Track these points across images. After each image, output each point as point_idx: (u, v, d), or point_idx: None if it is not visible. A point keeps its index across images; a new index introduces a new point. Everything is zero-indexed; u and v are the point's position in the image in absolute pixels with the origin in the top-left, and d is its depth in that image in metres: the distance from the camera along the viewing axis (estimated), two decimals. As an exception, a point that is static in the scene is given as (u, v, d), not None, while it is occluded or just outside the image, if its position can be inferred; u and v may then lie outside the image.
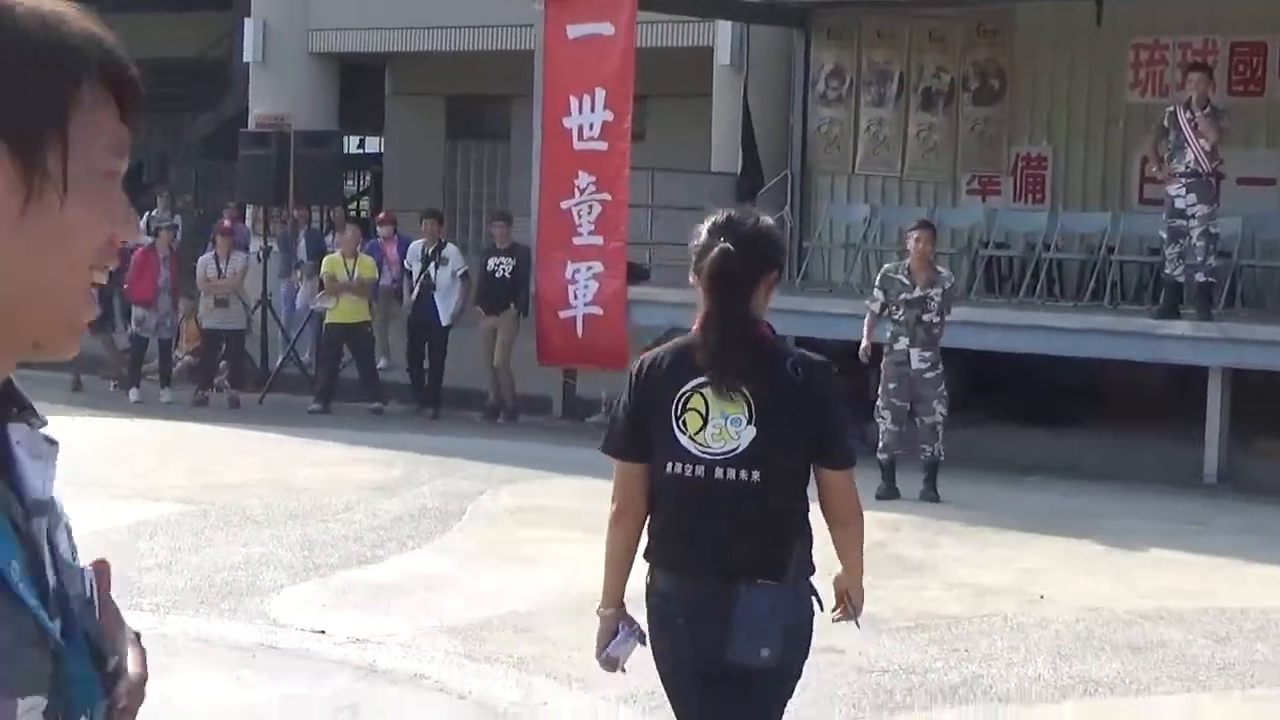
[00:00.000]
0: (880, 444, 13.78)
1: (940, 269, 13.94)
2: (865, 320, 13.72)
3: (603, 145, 17.61)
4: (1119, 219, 17.73)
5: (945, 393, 13.66)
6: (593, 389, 18.18)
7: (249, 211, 21.19)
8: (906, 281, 13.51)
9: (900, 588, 10.45)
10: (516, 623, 9.33)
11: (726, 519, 4.64)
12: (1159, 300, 15.81)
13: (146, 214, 21.53)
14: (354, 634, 8.90)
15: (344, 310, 18.14)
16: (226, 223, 19.81)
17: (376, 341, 19.02)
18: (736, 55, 21.07)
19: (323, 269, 18.28)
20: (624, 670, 5.08)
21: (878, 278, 13.91)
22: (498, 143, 25.42)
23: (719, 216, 4.78)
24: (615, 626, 4.99)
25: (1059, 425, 16.27)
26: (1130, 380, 16.39)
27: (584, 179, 17.69)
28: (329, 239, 19.35)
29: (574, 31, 17.71)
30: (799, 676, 4.84)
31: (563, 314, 17.87)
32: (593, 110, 17.62)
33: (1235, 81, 18.28)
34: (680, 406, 4.67)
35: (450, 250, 18.60)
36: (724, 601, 4.61)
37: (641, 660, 8.32)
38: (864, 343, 13.62)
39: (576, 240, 17.78)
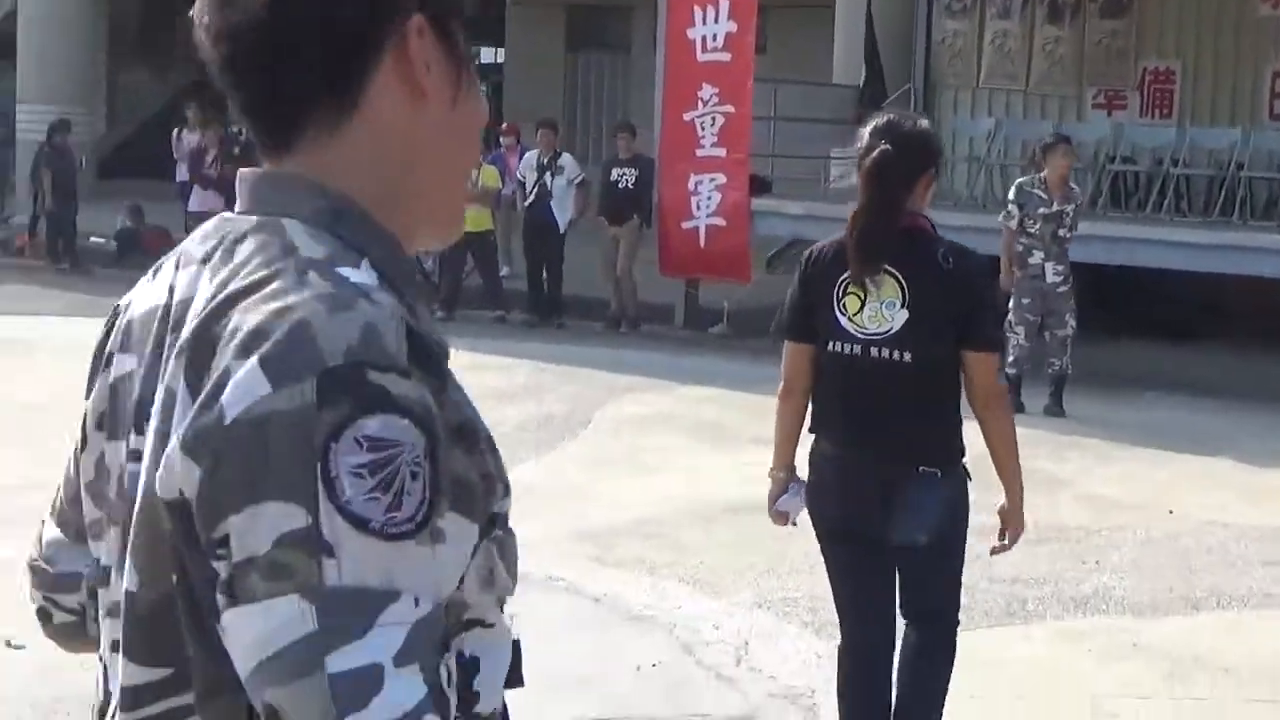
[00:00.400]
0: (1011, 358, 13.70)
1: (1073, 185, 13.84)
2: (1003, 237, 13.60)
3: (726, 57, 17.57)
4: (1249, 134, 17.52)
5: (1075, 306, 13.60)
6: (715, 299, 18.22)
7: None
8: (1044, 196, 13.42)
9: (1030, 502, 10.41)
10: (646, 529, 9.42)
11: (880, 397, 5.01)
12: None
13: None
14: (488, 537, 9.00)
15: (468, 219, 18.16)
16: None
17: (499, 250, 19.10)
18: (863, -35, 20.97)
19: (445, 179, 18.35)
20: (794, 524, 5.52)
21: (1012, 191, 13.79)
22: (618, 54, 25.37)
23: (880, 120, 5.15)
24: (785, 485, 5.41)
25: (1183, 341, 16.16)
26: (1257, 298, 16.22)
27: (707, 91, 17.68)
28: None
29: (698, -58, 17.66)
30: (959, 556, 5.24)
31: (685, 225, 17.90)
32: (716, 21, 17.58)
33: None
34: (842, 290, 5.04)
35: (566, 159, 18.63)
36: (881, 481, 5.04)
37: (767, 577, 8.40)
38: (1004, 260, 13.47)
39: (699, 152, 17.79)
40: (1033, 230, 13.46)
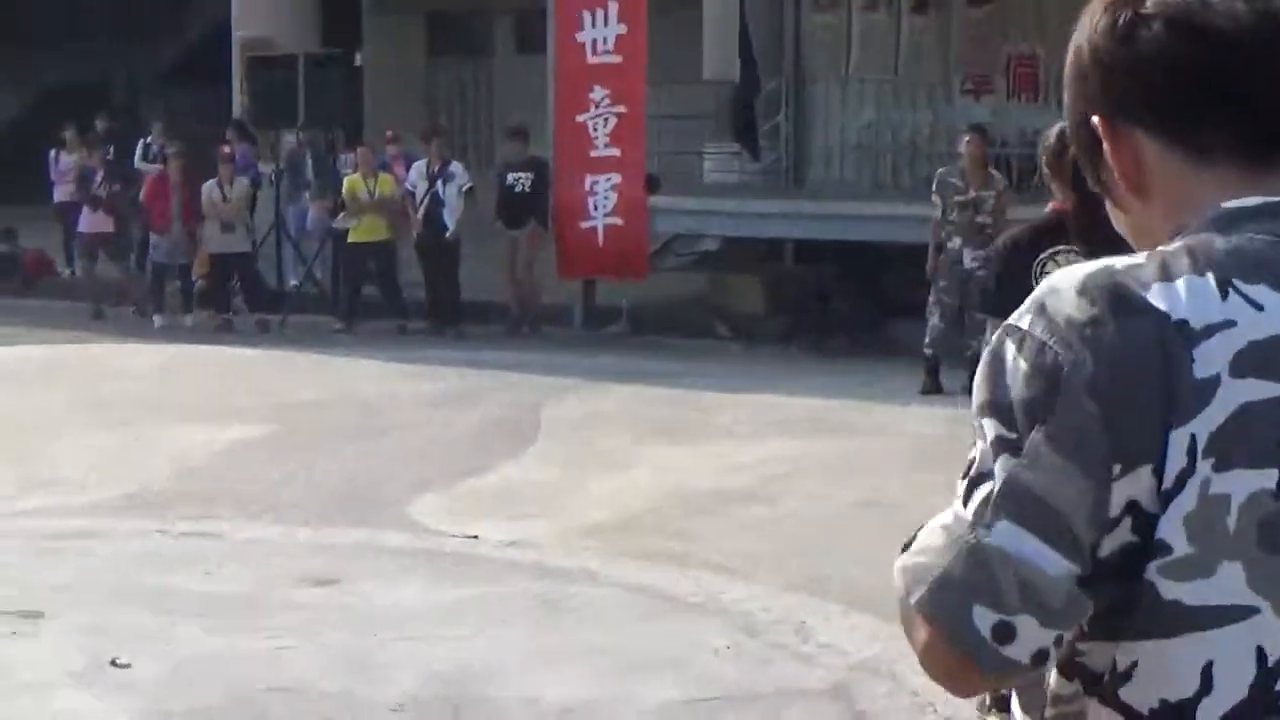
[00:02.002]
0: (927, 340, 14.30)
1: (993, 171, 14.47)
2: (931, 226, 14.23)
3: (617, 59, 18.02)
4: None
5: (994, 290, 14.22)
6: (613, 299, 18.64)
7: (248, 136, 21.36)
8: (960, 184, 14.05)
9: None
10: (648, 522, 9.82)
11: None
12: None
13: (141, 141, 21.73)
14: (506, 538, 9.37)
15: (366, 229, 18.46)
16: (228, 149, 20.05)
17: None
18: (730, -39, 21.49)
19: (344, 189, 18.58)
20: None
21: (934, 183, 14.41)
22: (480, 59, 25.65)
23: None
24: None
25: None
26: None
27: (599, 92, 18.11)
28: (337, 160, 19.61)
29: (584, -55, 18.07)
30: None
31: (583, 225, 18.31)
32: (605, 24, 18.00)
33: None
34: (1039, 271, 5.63)
35: (455, 167, 18.89)
36: None
37: (787, 561, 8.85)
38: (930, 249, 14.13)
39: (594, 153, 18.21)
40: (952, 217, 14.09)
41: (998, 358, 1.82)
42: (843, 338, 17.27)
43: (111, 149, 20.54)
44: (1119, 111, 1.87)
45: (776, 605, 8.06)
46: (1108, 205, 2.00)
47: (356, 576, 8.51)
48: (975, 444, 1.83)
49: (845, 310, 17.69)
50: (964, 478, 1.84)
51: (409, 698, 6.64)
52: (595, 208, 18.24)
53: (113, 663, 7.00)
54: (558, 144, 18.40)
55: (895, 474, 11.13)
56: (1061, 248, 5.86)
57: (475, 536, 9.40)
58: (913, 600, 1.84)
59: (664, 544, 9.28)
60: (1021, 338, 1.81)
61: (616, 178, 18.11)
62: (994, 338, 1.87)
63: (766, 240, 19.64)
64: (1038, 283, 5.09)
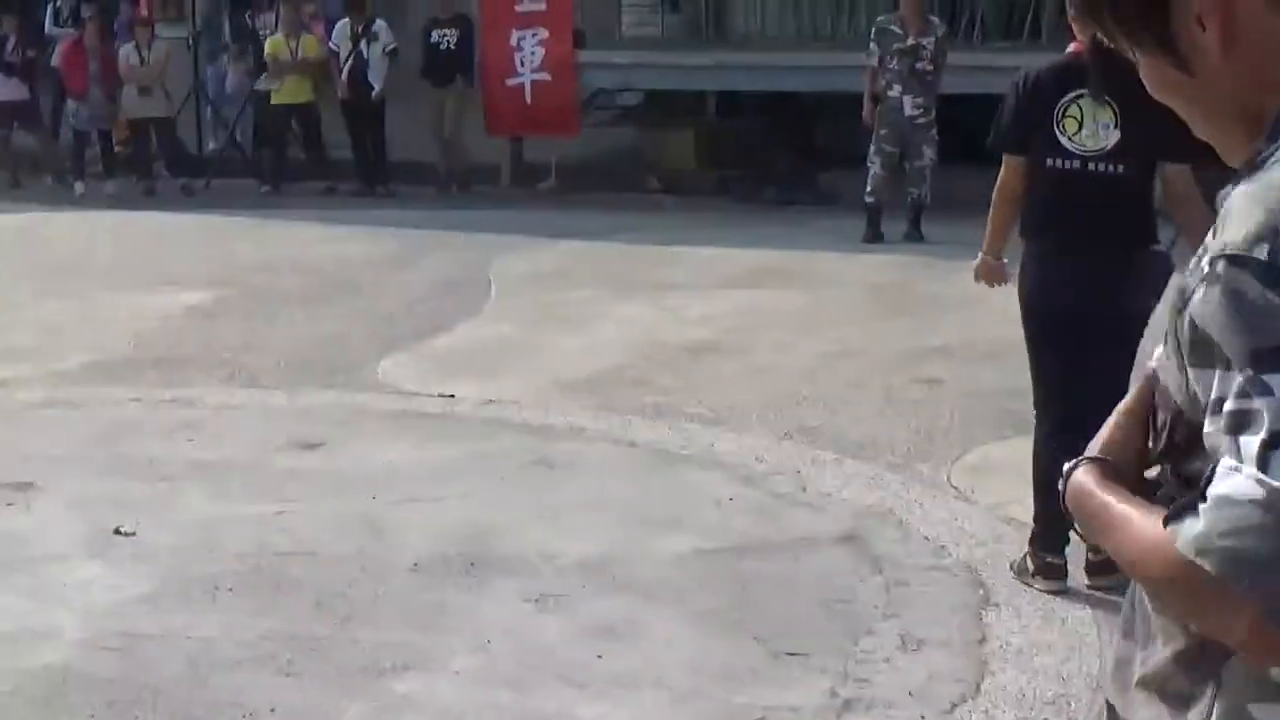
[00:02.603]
0: (869, 188, 14.33)
1: (932, 18, 14.42)
2: (865, 74, 14.20)
3: (542, -92, 17.79)
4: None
5: (936, 138, 14.23)
6: (541, 155, 18.52)
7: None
8: (899, 31, 14.01)
9: (958, 320, 11.07)
10: (623, 376, 9.80)
11: (1099, 201, 5.90)
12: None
13: (51, 4, 21.26)
14: (482, 397, 9.33)
15: (289, 91, 18.22)
16: (143, 11, 19.68)
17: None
18: None
19: (266, 50, 18.30)
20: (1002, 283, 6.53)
21: (872, 30, 14.36)
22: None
23: None
24: (998, 267, 6.51)
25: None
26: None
27: (524, -55, 17.89)
28: (256, 21, 19.29)
29: None
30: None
31: (510, 82, 18.14)
32: (530, -125, 17.76)
33: None
34: (1061, 113, 5.90)
35: (380, 25, 18.65)
36: (1109, 265, 5.87)
37: (770, 411, 8.82)
38: (866, 98, 14.12)
39: (519, 8, 18.01)
40: (891, 66, 14.05)
41: (1242, 296, 1.68)
42: (777, 189, 17.24)
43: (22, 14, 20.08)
44: None
45: (770, 456, 8.08)
46: (1146, 73, 1.91)
47: (342, 439, 8.46)
48: (1234, 396, 1.67)
49: (778, 161, 17.65)
50: (1234, 433, 1.67)
51: (424, 556, 6.62)
52: (522, 64, 18.07)
53: (117, 531, 6.93)
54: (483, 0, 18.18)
55: (856, 322, 11.19)
56: (1085, 90, 5.95)
57: (452, 396, 9.35)
58: (1242, 587, 1.65)
59: (644, 398, 9.27)
60: (1267, 269, 1.68)
61: (543, 33, 17.94)
62: (1218, 271, 1.71)
63: (692, 93, 19.54)
64: (1059, 125, 5.19)
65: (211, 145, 19.58)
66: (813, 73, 17.36)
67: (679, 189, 17.78)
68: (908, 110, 14.06)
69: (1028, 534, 6.48)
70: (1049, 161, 5.98)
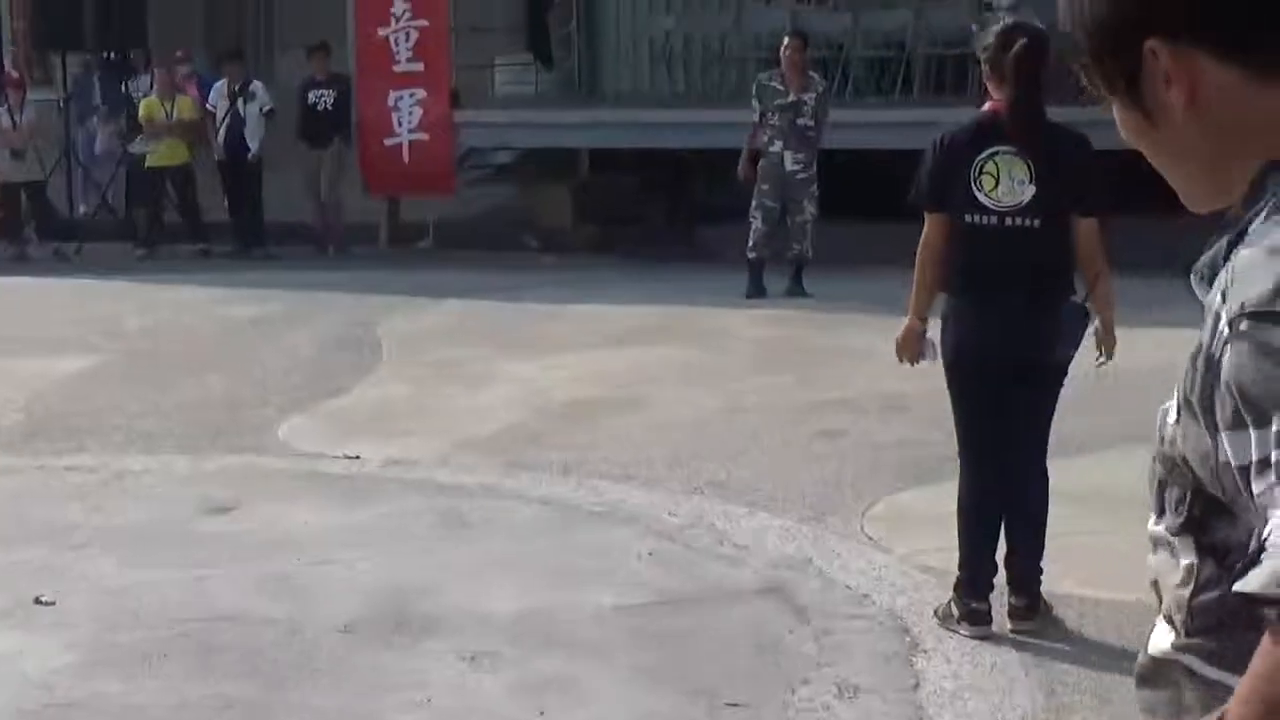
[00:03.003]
0: (751, 244, 14.47)
1: (812, 75, 14.62)
2: (748, 131, 14.38)
3: (417, -31, 17.87)
4: (921, 14, 18.54)
5: (816, 193, 14.41)
6: (418, 214, 18.55)
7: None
8: (781, 88, 14.20)
9: (848, 374, 11.22)
10: (525, 433, 9.84)
11: (1016, 255, 6.11)
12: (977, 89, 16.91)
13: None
14: (388, 457, 9.33)
15: (165, 153, 18.13)
16: (14, 73, 19.50)
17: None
18: None
19: (140, 112, 18.19)
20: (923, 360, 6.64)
21: (754, 86, 14.56)
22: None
23: (1008, 22, 6.26)
24: (922, 335, 6.55)
25: (893, 218, 17.11)
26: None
27: (400, 6, 17.96)
28: (129, 82, 19.19)
29: None
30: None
31: (388, 142, 18.17)
32: (406, -63, 17.84)
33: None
34: (977, 170, 6.11)
35: (257, 86, 18.63)
36: (1029, 316, 6.08)
37: (676, 466, 8.88)
38: (744, 154, 14.31)
39: (396, 68, 18.06)
40: (773, 121, 14.23)
41: (1270, 347, 1.71)
42: (655, 246, 17.36)
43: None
44: (1184, 29, 1.83)
45: (682, 510, 8.16)
46: (1119, 117, 1.93)
47: (252, 502, 8.43)
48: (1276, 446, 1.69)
49: (656, 218, 17.79)
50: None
51: (352, 617, 6.62)
52: (400, 124, 18.10)
53: (37, 600, 6.87)
54: (359, 59, 18.23)
55: (749, 377, 11.30)
56: (1000, 147, 6.15)
57: (357, 457, 9.34)
58: None
59: (549, 455, 9.31)
60: None
61: (421, 92, 17.99)
62: (1242, 329, 1.74)
63: (566, 150, 19.64)
64: (976, 182, 5.39)
65: (82, 209, 19.41)
66: (686, 129, 17.54)
67: (557, 246, 17.87)
68: (789, 165, 14.24)
69: (947, 581, 6.60)
70: (967, 217, 6.19)
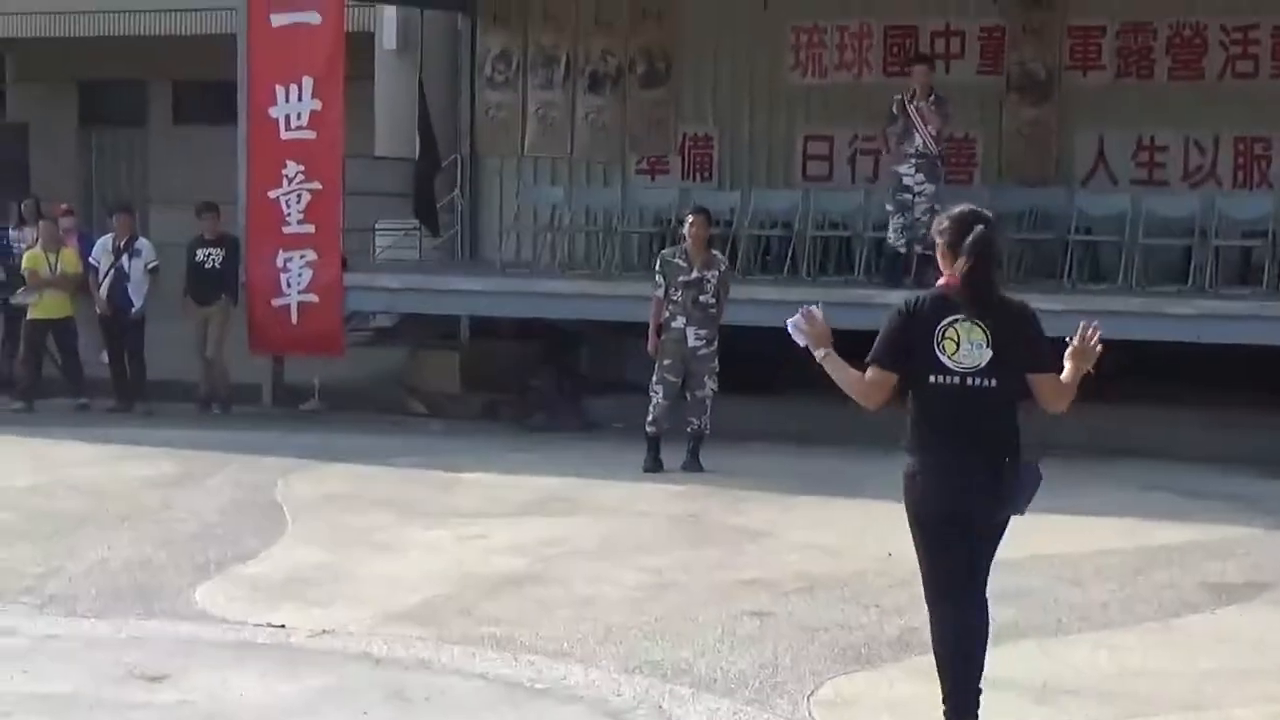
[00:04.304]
0: (651, 417, 14.47)
1: (715, 253, 14.73)
2: (652, 304, 14.44)
3: (311, 134, 17.84)
4: (810, 196, 18.80)
5: (717, 369, 14.46)
6: (303, 376, 18.40)
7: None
8: (684, 264, 14.28)
9: (760, 552, 11.22)
10: (451, 605, 9.68)
11: (977, 412, 6.71)
12: (863, 270, 17.33)
13: None
14: (314, 626, 9.15)
15: (47, 306, 17.88)
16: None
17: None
18: (402, 39, 21.56)
19: (24, 264, 17.94)
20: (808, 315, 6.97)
21: (657, 262, 14.64)
22: (134, 130, 25.06)
23: (964, 209, 6.93)
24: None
25: (776, 393, 17.28)
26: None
27: (292, 168, 17.90)
28: (12, 233, 18.95)
29: (278, 20, 17.85)
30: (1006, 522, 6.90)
31: (276, 302, 18.02)
32: (300, 99, 17.81)
33: (890, 62, 19.65)
34: (940, 335, 6.72)
35: (142, 242, 18.44)
36: (989, 472, 6.67)
37: (609, 644, 8.80)
38: (650, 329, 14.35)
39: (286, 229, 17.97)
40: (676, 297, 14.29)
41: None
42: (543, 415, 17.33)
43: None
44: None
45: (626, 689, 8.05)
46: None
47: (183, 671, 8.21)
48: None
49: (544, 388, 17.78)
50: None
51: (312, 797, 6.45)
52: (288, 284, 17.98)
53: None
54: (250, 220, 18.10)
55: (663, 553, 11.24)
56: (959, 316, 6.79)
57: (283, 626, 9.15)
58: None
59: (479, 629, 9.17)
60: None
61: (312, 254, 17.90)
62: None
63: (446, 318, 19.62)
64: (939, 345, 6.74)
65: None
66: (574, 300, 17.57)
67: (443, 412, 17.80)
68: (691, 341, 14.29)
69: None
70: (931, 378, 6.75)
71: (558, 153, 21.06)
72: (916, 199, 16.51)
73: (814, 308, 6.97)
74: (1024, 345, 6.81)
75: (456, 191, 21.30)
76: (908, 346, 6.79)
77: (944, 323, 6.74)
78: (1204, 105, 18.46)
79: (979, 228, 6.75)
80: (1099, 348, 6.90)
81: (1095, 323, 6.93)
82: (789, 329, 6.93)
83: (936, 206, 16.10)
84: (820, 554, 11.24)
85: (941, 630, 6.92)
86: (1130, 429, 15.85)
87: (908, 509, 6.87)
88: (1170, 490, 13.67)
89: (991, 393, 6.72)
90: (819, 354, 6.90)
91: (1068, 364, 6.85)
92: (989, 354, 6.72)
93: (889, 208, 16.89)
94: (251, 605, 9.67)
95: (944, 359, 6.73)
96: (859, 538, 11.63)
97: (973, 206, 6.96)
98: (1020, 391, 6.82)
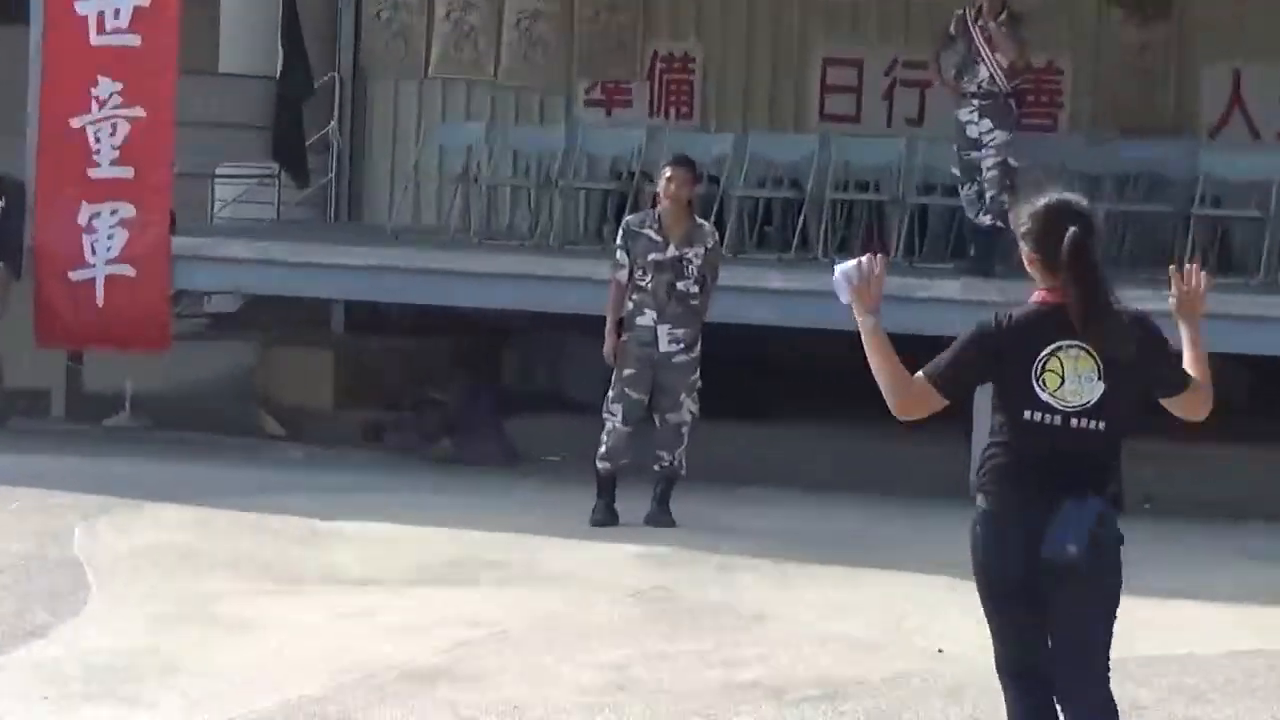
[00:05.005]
0: (604, 449, 14.33)
1: (702, 222, 14.62)
2: (610, 290, 14.33)
3: (134, 40, 17.77)
4: (829, 142, 18.80)
5: (699, 384, 14.35)
6: (110, 380, 18.33)
7: None
8: (656, 237, 14.17)
9: (758, 642, 11.17)
10: (329, 713, 9.63)
11: (1075, 458, 7.02)
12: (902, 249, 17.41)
13: None
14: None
15: None
16: None
17: None
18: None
19: None
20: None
21: (618, 233, 14.50)
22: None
23: (1050, 202, 7.13)
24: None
25: (773, 419, 17.26)
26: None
27: (105, 87, 17.83)
28: None
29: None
30: (1117, 586, 7.12)
31: (75, 275, 17.97)
32: (120, -10, 17.76)
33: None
34: (1040, 367, 6.98)
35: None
36: (1048, 513, 6.96)
37: None
38: (609, 321, 14.23)
39: (94, 172, 17.92)
40: (644, 283, 14.15)
41: None
42: (450, 442, 17.29)
43: None
44: None
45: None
46: None
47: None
48: None
49: (453, 403, 17.73)
50: None
51: None
52: (94, 251, 17.89)
53: None
54: (41, 158, 18.00)
55: (625, 642, 11.18)
56: (1063, 341, 7.04)
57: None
58: None
59: (366, 743, 9.15)
60: None
61: (129, 209, 17.83)
62: None
63: (319, 303, 19.56)
64: (1039, 379, 7.06)
65: None
66: (496, 282, 17.47)
67: (308, 434, 17.75)
68: (664, 345, 14.17)
69: None
70: (1026, 414, 7.06)
71: (477, 75, 21.11)
72: (985, 153, 16.49)
73: (875, 258, 7.10)
74: (1150, 369, 7.14)
75: (333, 125, 21.27)
76: (982, 375, 7.17)
77: (1045, 351, 7.03)
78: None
79: (1072, 230, 6.99)
80: (1203, 290, 7.24)
81: (1194, 264, 7.33)
82: (836, 278, 7.06)
83: (1011, 161, 16.20)
84: (843, 647, 11.20)
85: (1010, 709, 7.38)
86: (1259, 477, 15.92)
87: (975, 561, 7.24)
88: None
89: (1099, 435, 7.09)
90: (867, 322, 7.02)
91: (1188, 351, 7.22)
92: (1101, 388, 7.03)
93: (955, 171, 16.92)
94: (48, 702, 9.59)
95: (1044, 395, 7.03)
96: (896, 626, 11.60)
97: (1062, 196, 7.20)
98: (1131, 425, 7.14)
